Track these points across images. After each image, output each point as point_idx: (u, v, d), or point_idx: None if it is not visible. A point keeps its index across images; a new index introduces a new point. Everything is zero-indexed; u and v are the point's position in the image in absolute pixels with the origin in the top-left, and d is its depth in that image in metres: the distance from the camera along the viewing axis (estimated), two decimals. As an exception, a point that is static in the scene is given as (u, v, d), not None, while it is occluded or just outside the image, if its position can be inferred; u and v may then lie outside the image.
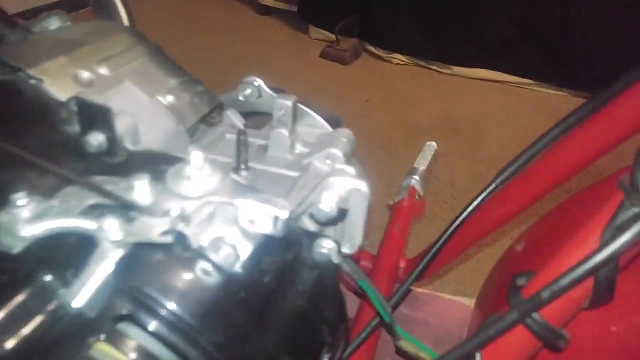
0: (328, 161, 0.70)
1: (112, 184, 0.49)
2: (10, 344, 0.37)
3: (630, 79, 0.65)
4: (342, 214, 0.49)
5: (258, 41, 3.30)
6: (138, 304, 0.42)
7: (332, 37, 3.18)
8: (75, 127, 0.56)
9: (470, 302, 1.03)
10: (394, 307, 0.79)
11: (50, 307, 0.41)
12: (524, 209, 0.83)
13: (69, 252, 0.45)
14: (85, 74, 0.60)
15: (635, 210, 0.46)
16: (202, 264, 0.45)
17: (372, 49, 3.17)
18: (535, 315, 0.48)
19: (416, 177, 1.21)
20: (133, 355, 0.41)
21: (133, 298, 0.42)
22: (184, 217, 0.44)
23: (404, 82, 2.95)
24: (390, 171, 2.05)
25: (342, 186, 0.51)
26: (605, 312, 0.54)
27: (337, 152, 0.70)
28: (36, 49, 0.60)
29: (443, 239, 0.82)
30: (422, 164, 1.27)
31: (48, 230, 0.41)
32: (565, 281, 0.45)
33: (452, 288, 1.56)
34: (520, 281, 0.52)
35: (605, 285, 0.48)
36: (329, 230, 0.57)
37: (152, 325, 0.42)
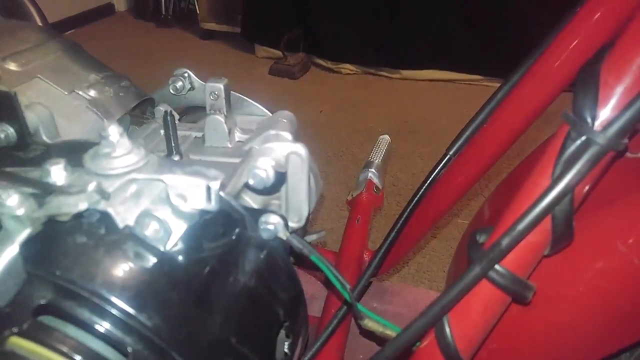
0: (269, 144, 0.68)
1: (25, 173, 0.46)
2: None
3: (552, 35, 0.68)
4: (280, 179, 0.47)
5: (205, 65, 3.27)
6: (60, 292, 0.38)
7: (279, 53, 3.19)
8: (-18, 124, 0.52)
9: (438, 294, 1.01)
10: (359, 298, 0.77)
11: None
12: (477, 177, 0.82)
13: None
14: (-8, 70, 0.57)
15: (582, 138, 0.45)
16: (129, 244, 0.42)
17: (320, 61, 3.20)
18: (498, 267, 0.47)
19: (372, 170, 1.20)
20: (60, 348, 0.37)
21: (54, 285, 0.38)
22: (103, 194, 0.40)
23: (355, 91, 2.98)
24: (348, 176, 2.04)
25: (279, 151, 0.49)
26: (569, 259, 0.53)
27: (277, 133, 0.68)
28: None
29: (403, 218, 0.81)
30: (376, 157, 1.27)
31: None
32: (522, 225, 0.43)
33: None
34: (481, 238, 0.51)
35: (563, 223, 0.47)
36: (273, 207, 0.54)
37: (78, 313, 0.38)
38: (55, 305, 0.37)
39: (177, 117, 0.76)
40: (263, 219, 0.51)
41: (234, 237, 0.50)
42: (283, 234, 0.51)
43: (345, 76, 3.14)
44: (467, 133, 0.80)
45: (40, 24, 0.79)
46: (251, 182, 0.47)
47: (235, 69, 3.25)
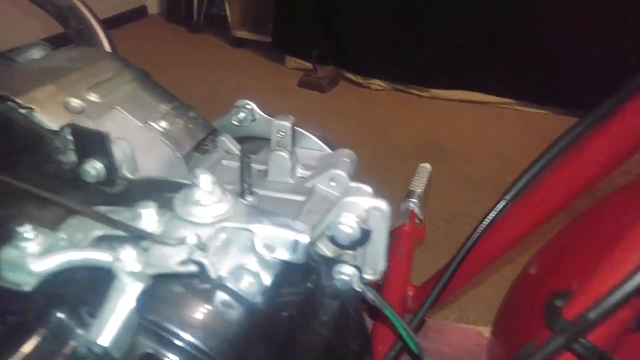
0: (333, 183, 0.69)
1: (117, 214, 0.47)
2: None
3: (628, 92, 0.65)
4: (365, 236, 0.48)
5: (234, 73, 3.32)
6: (162, 342, 0.40)
7: (309, 65, 3.22)
8: (70, 157, 0.54)
9: (483, 330, 1.01)
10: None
11: (69, 349, 0.38)
12: (535, 227, 0.82)
13: (80, 288, 0.42)
14: (76, 102, 0.58)
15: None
16: (222, 296, 0.43)
17: (349, 75, 3.22)
18: (582, 340, 0.46)
19: (414, 200, 1.20)
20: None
21: (156, 335, 0.39)
22: (201, 246, 0.42)
23: (384, 107, 2.99)
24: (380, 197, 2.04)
25: (361, 205, 0.50)
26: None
27: (341, 173, 0.69)
28: (23, 78, 0.58)
29: (456, 262, 0.81)
30: (418, 186, 1.27)
31: (60, 265, 0.38)
32: (612, 300, 0.42)
33: (455, 316, 1.54)
34: (559, 302, 0.50)
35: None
36: (347, 256, 0.55)
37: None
38: (158, 355, 0.38)
39: (238, 147, 0.78)
40: (338, 269, 0.52)
41: (310, 286, 0.51)
42: (358, 286, 0.52)
43: (374, 92, 3.15)
44: (526, 178, 0.80)
45: (109, 49, 0.81)
46: (336, 237, 0.48)
47: (264, 79, 3.28)
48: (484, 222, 0.81)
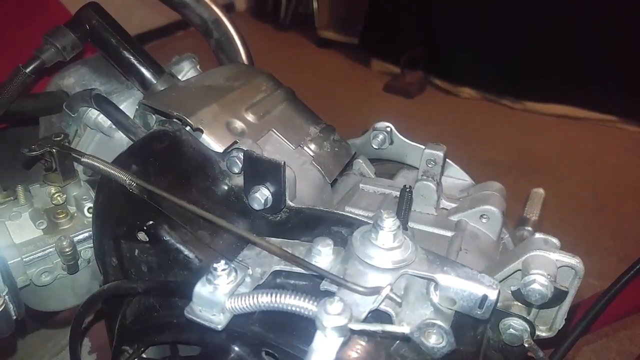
0: (484, 220, 0.66)
1: (291, 247, 0.47)
2: None
3: None
4: (560, 297, 0.44)
5: (318, 74, 3.33)
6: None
7: (396, 69, 3.17)
8: (235, 181, 0.55)
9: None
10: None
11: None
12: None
13: (261, 327, 0.42)
14: (237, 123, 0.59)
15: None
16: (403, 349, 0.41)
17: (437, 82, 3.15)
18: None
19: (529, 228, 1.14)
20: None
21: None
22: (392, 298, 0.40)
23: (473, 117, 2.89)
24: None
25: (552, 261, 0.46)
26: None
27: (495, 210, 0.66)
28: (188, 97, 0.59)
29: (596, 309, 0.76)
30: (533, 213, 1.21)
31: (257, 307, 0.38)
32: None
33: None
34: None
35: None
36: (516, 308, 0.52)
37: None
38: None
39: (373, 170, 0.76)
40: (508, 322, 0.49)
41: (479, 338, 0.49)
42: (527, 342, 0.49)
43: (463, 100, 3.06)
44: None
45: (246, 62, 0.82)
46: (526, 295, 0.45)
47: (349, 82, 3.27)
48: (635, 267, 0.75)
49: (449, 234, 0.64)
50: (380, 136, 0.75)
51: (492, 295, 0.42)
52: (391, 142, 0.76)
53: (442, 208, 0.70)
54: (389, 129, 0.76)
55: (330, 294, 0.40)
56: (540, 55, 2.83)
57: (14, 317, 0.58)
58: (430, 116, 2.88)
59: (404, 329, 0.40)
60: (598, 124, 2.78)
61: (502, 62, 2.93)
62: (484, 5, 2.88)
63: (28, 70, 0.63)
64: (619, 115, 2.74)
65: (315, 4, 3.65)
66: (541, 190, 1.36)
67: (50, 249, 0.64)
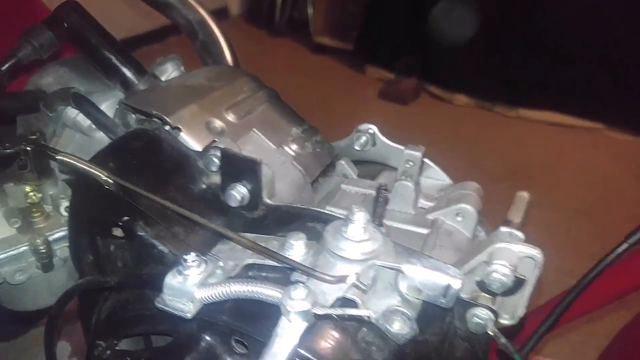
0: (459, 218, 0.68)
1: (265, 242, 0.49)
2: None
3: None
4: (518, 285, 0.47)
5: (314, 80, 3.36)
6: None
7: (390, 76, 3.21)
8: (212, 179, 0.56)
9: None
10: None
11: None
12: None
13: (230, 316, 0.43)
14: (217, 122, 0.61)
15: None
16: (375, 339, 0.43)
17: (432, 89, 3.18)
18: None
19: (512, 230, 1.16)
20: None
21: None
22: (358, 286, 0.42)
23: (467, 124, 2.93)
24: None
25: (515, 253, 0.48)
26: None
27: (470, 208, 0.68)
28: (169, 97, 0.61)
29: (565, 303, 0.78)
30: (516, 216, 1.22)
31: (226, 296, 0.40)
32: None
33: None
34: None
35: None
36: (483, 299, 0.54)
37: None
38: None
39: (356, 171, 0.78)
40: (474, 311, 0.51)
41: (445, 327, 0.51)
42: (491, 330, 0.51)
43: (457, 107, 3.10)
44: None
45: (232, 64, 0.84)
46: (488, 284, 0.47)
47: (344, 88, 3.30)
48: (601, 263, 0.77)
49: (425, 231, 0.66)
50: (363, 138, 0.77)
51: (456, 284, 0.44)
52: (374, 144, 0.78)
53: (420, 207, 0.72)
54: (371, 131, 0.78)
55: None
56: (533, 63, 2.87)
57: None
58: (424, 123, 2.91)
59: (365, 312, 0.42)
60: (588, 132, 2.82)
61: (496, 69, 2.97)
62: (478, 13, 2.92)
63: (3, 68, 0.65)
64: (608, 123, 2.78)
65: (310, 10, 3.69)
66: (526, 194, 1.38)
67: (24, 248, 0.65)
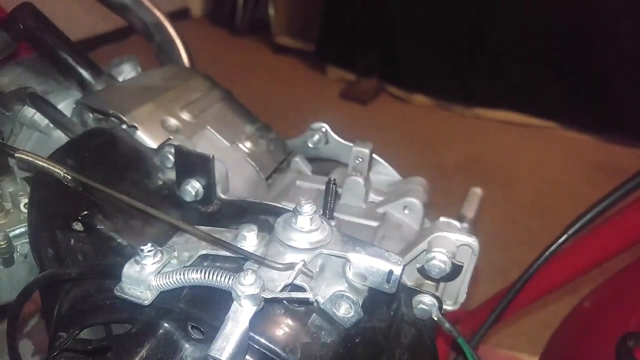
0: (406, 211, 0.73)
1: (219, 234, 0.51)
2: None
3: None
4: (456, 271, 0.51)
5: (275, 80, 3.38)
6: (261, 356, 0.44)
7: (351, 77, 3.26)
8: (167, 175, 0.59)
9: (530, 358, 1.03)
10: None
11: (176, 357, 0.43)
12: (596, 264, 0.84)
13: (186, 304, 0.46)
14: (172, 121, 0.63)
15: None
16: (322, 322, 0.46)
17: (391, 89, 3.25)
18: None
19: (465, 225, 1.22)
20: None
21: (261, 354, 0.43)
22: (306, 272, 0.45)
23: (425, 124, 3.00)
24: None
25: (452, 241, 0.53)
26: None
27: (416, 202, 0.72)
28: (125, 96, 0.63)
29: (512, 292, 0.83)
30: (470, 211, 1.28)
31: (180, 283, 0.43)
32: None
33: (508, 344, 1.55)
34: (631, 343, 0.53)
35: None
36: (428, 286, 0.58)
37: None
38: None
39: (310, 168, 0.82)
40: (419, 298, 0.55)
41: (392, 313, 0.55)
42: (436, 316, 0.55)
43: (416, 107, 3.17)
44: (589, 216, 0.81)
45: (188, 65, 0.86)
46: (427, 270, 0.51)
47: (305, 89, 3.33)
48: (544, 254, 0.83)
49: (375, 224, 0.70)
50: (316, 136, 0.81)
51: (397, 270, 0.48)
52: (326, 142, 0.82)
53: (371, 201, 0.76)
54: (324, 129, 0.81)
55: (250, 272, 0.45)
56: (489, 62, 2.98)
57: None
58: (384, 122, 2.98)
59: (309, 294, 0.45)
60: (542, 130, 2.94)
61: (453, 69, 3.06)
62: (435, 13, 3.01)
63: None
64: (559, 121, 2.91)
65: (271, 10, 3.71)
66: (479, 190, 1.44)
67: None
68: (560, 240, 0.85)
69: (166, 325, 0.47)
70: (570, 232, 0.86)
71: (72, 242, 0.55)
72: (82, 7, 2.49)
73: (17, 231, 0.66)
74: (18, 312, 0.57)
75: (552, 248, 0.86)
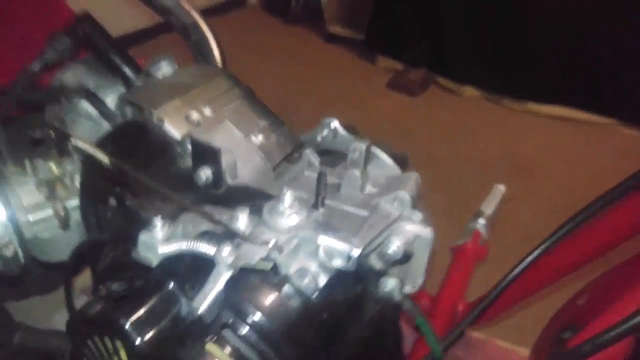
0: (396, 203, 0.82)
1: (219, 213, 0.64)
2: (148, 335, 0.52)
3: None
4: (407, 257, 0.61)
5: (324, 69, 3.48)
6: (237, 316, 0.56)
7: (400, 66, 3.31)
8: (187, 162, 0.72)
9: (525, 352, 1.09)
10: (446, 347, 0.88)
11: (175, 310, 0.55)
12: (588, 261, 0.89)
13: (186, 269, 0.59)
14: (195, 115, 0.76)
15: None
16: (287, 288, 0.58)
17: (441, 80, 3.27)
18: None
19: (482, 220, 1.28)
20: (230, 355, 0.54)
21: (235, 311, 0.55)
22: (278, 248, 0.57)
23: (472, 117, 3.02)
24: (456, 211, 2.11)
25: (409, 231, 0.63)
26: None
27: (405, 195, 0.82)
28: (158, 93, 0.77)
29: (502, 285, 0.90)
30: (488, 207, 1.34)
31: (178, 250, 0.55)
32: (607, 337, 0.52)
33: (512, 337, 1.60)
34: (566, 334, 0.61)
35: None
36: (395, 270, 0.68)
37: (245, 333, 0.55)
38: (235, 324, 0.55)
39: (318, 160, 0.93)
40: (383, 280, 0.65)
41: (359, 291, 0.65)
42: (398, 296, 0.65)
43: (465, 99, 3.19)
44: (591, 209, 0.84)
45: (220, 64, 0.99)
46: (383, 254, 0.61)
47: (354, 78, 3.41)
48: (536, 250, 0.89)
49: (365, 213, 0.80)
50: (325, 131, 0.92)
51: (355, 252, 0.58)
52: (335, 136, 0.92)
53: (367, 193, 0.86)
54: (332, 125, 0.92)
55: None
56: (541, 56, 2.94)
57: (22, 262, 0.78)
58: (431, 115, 3.01)
59: (269, 264, 0.55)
60: (595, 126, 2.88)
61: (505, 62, 3.04)
62: (489, 5, 3.00)
63: (34, 68, 0.83)
64: (617, 117, 2.84)
65: (323, -2, 3.79)
66: (502, 187, 1.50)
67: (50, 211, 0.84)
68: (553, 238, 0.90)
69: (169, 283, 0.60)
70: (564, 229, 0.90)
71: (109, 214, 0.69)
72: (125, 6, 2.69)
73: (73, 203, 0.83)
74: (73, 264, 0.73)
75: (545, 245, 0.91)
